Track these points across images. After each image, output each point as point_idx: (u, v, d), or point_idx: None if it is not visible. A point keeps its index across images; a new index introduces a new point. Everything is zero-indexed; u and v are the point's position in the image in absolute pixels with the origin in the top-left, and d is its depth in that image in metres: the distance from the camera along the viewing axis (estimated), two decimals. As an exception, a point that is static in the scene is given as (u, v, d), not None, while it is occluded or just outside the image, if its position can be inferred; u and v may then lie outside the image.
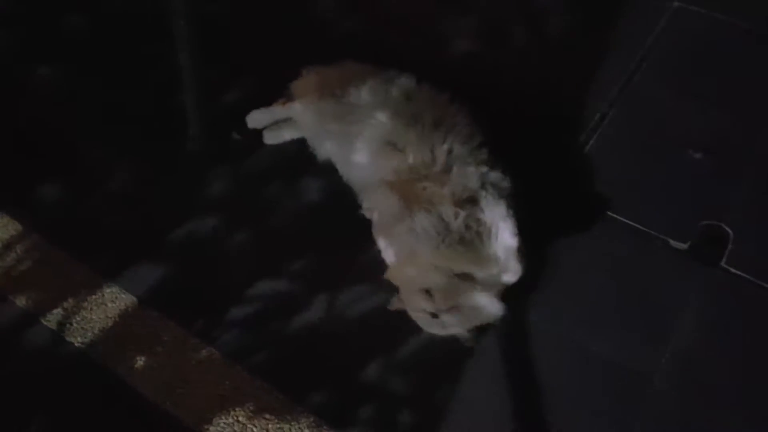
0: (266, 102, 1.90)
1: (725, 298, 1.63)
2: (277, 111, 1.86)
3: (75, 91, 1.99)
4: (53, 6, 2.16)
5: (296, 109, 1.82)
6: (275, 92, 1.91)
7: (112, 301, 1.61)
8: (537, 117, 1.92)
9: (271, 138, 1.86)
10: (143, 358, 1.52)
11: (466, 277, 1.46)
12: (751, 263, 1.67)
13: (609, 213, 1.76)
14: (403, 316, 1.56)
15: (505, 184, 1.55)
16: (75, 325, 1.57)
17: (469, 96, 1.89)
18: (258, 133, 1.89)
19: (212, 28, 1.93)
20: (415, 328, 1.55)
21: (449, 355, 1.54)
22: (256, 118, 1.88)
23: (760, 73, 2.04)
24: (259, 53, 2.03)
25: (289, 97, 1.85)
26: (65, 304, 1.60)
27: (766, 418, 1.47)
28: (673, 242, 1.72)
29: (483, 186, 1.52)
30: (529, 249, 1.53)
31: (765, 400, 1.49)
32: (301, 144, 1.84)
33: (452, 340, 1.53)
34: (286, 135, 1.85)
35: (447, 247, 1.45)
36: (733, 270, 1.67)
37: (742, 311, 1.62)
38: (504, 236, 1.48)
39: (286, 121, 1.85)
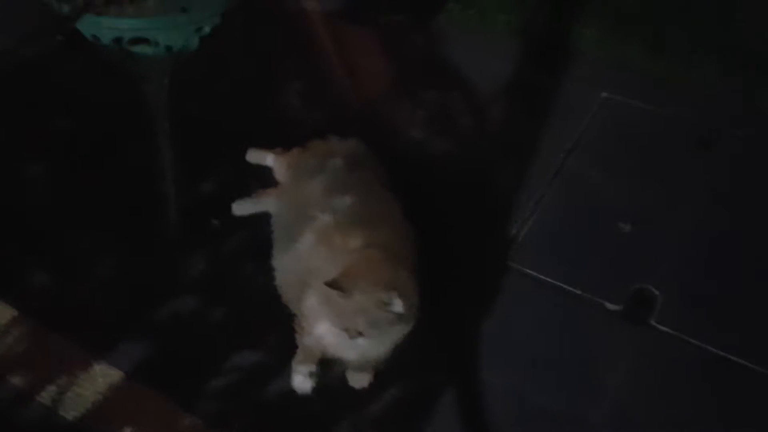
0: (240, 190, 2.11)
1: (655, 352, 1.83)
2: (257, 203, 2.09)
3: (63, 186, 2.18)
4: (43, 111, 2.38)
5: (271, 203, 2.06)
6: (250, 182, 2.12)
7: (101, 377, 1.75)
8: (480, 196, 2.16)
9: (240, 210, 2.08)
10: (130, 429, 1.66)
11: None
12: (677, 321, 1.88)
13: (550, 280, 1.98)
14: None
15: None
16: (68, 400, 1.71)
17: (421, 174, 2.15)
18: (234, 219, 2.09)
19: (190, 124, 2.16)
20: (380, 389, 1.72)
21: (412, 413, 1.71)
22: (240, 208, 2.09)
23: (678, 153, 2.31)
24: (233, 145, 2.23)
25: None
26: (58, 382, 1.74)
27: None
28: (608, 304, 1.93)
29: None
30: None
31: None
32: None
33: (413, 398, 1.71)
34: (252, 209, 2.07)
35: None
36: (661, 327, 1.88)
37: (670, 364, 1.82)
38: None
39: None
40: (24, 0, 2.48)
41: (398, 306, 1.55)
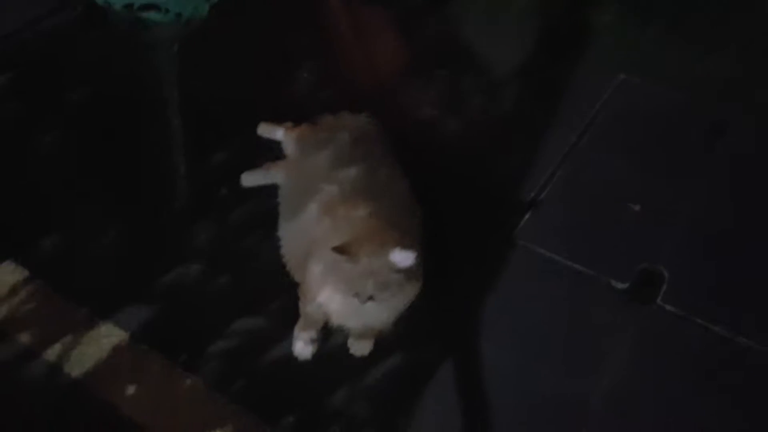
0: (249, 162, 2.13)
1: (659, 331, 1.82)
2: (266, 174, 2.10)
3: (74, 155, 2.20)
4: (54, 84, 2.42)
5: (279, 175, 2.07)
6: (258, 154, 2.14)
7: (106, 337, 1.78)
8: (490, 175, 2.16)
9: (248, 181, 2.10)
10: (133, 387, 1.68)
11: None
12: (684, 301, 1.87)
13: (557, 257, 1.96)
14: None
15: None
16: (73, 358, 1.74)
17: (431, 155, 2.15)
18: (243, 191, 2.11)
19: (202, 98, 2.18)
20: (376, 360, 1.73)
21: (408, 385, 1.72)
22: (248, 179, 2.11)
23: (692, 138, 2.28)
24: (244, 120, 2.24)
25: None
26: (64, 340, 1.77)
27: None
28: (614, 282, 1.91)
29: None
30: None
31: (690, 417, 1.67)
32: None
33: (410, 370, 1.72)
34: (260, 180, 2.09)
35: None
36: (667, 307, 1.86)
37: (674, 343, 1.80)
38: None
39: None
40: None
41: (407, 259, 1.55)
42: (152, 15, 1.80)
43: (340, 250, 1.59)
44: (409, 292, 1.64)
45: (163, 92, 1.93)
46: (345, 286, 1.61)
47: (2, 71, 2.42)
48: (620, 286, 1.90)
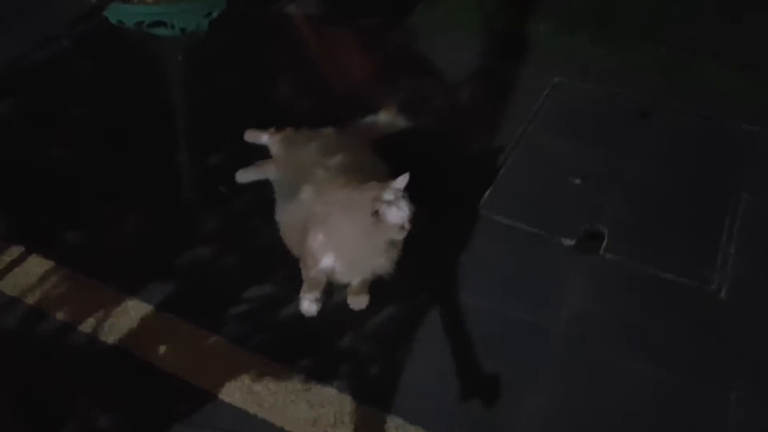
0: (243, 162, 2.42)
1: (603, 274, 2.18)
2: (258, 171, 2.40)
3: (89, 162, 2.47)
4: (61, 101, 2.68)
5: (270, 170, 2.38)
6: (250, 155, 2.44)
7: (134, 310, 2.03)
8: (454, 160, 2.51)
9: (242, 178, 2.39)
10: (164, 347, 1.93)
11: None
12: (620, 251, 2.24)
13: (515, 223, 2.31)
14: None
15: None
16: (106, 328, 1.98)
17: (405, 146, 2.48)
18: (239, 186, 2.39)
19: (196, 110, 2.47)
20: (374, 311, 2.03)
21: (403, 327, 2.02)
22: (242, 176, 2.40)
23: (620, 123, 2.69)
24: (236, 127, 2.54)
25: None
26: (96, 315, 2.01)
27: (638, 349, 1.99)
28: (564, 240, 2.27)
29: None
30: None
31: (638, 336, 2.03)
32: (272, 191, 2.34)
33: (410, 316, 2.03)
34: (253, 176, 2.38)
35: None
36: (608, 256, 2.23)
37: (616, 282, 2.16)
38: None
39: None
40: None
41: (404, 179, 1.92)
42: (160, 30, 2.07)
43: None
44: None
45: (170, 98, 2.20)
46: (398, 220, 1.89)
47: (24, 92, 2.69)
48: (568, 242, 2.26)
